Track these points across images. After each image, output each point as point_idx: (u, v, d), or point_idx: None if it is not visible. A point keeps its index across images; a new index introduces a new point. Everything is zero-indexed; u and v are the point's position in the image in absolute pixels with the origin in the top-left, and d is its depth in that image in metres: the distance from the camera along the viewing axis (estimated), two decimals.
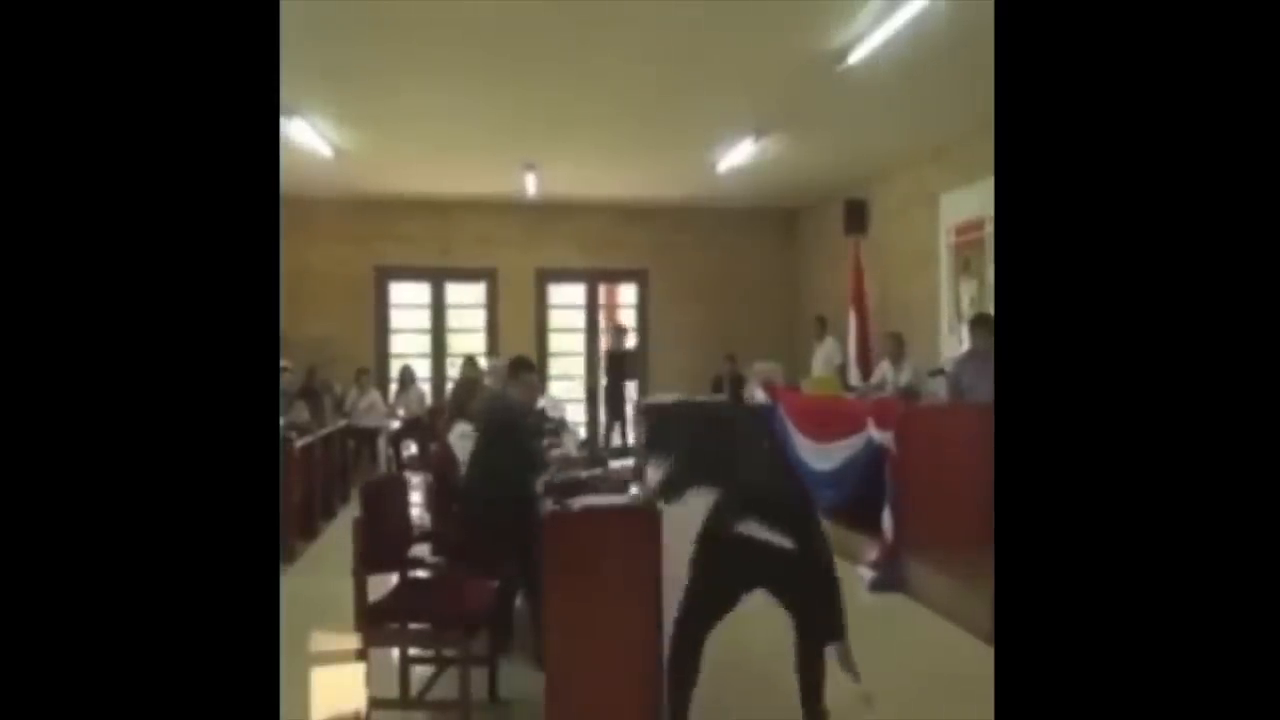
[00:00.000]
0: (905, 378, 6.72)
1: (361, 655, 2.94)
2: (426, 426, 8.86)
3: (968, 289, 7.02)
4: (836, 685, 3.66)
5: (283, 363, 7.39)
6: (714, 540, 2.78)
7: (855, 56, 4.99)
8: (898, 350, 7.04)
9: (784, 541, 2.73)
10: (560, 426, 5.47)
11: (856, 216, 8.45)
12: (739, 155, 7.50)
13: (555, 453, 4.39)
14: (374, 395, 9.08)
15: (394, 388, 9.50)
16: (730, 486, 2.85)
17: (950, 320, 7.23)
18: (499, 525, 3.64)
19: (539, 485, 3.59)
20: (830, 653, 2.88)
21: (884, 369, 7.13)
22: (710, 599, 2.83)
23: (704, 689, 3.00)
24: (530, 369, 4.17)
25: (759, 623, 4.29)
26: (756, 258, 10.71)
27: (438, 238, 10.03)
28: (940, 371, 6.26)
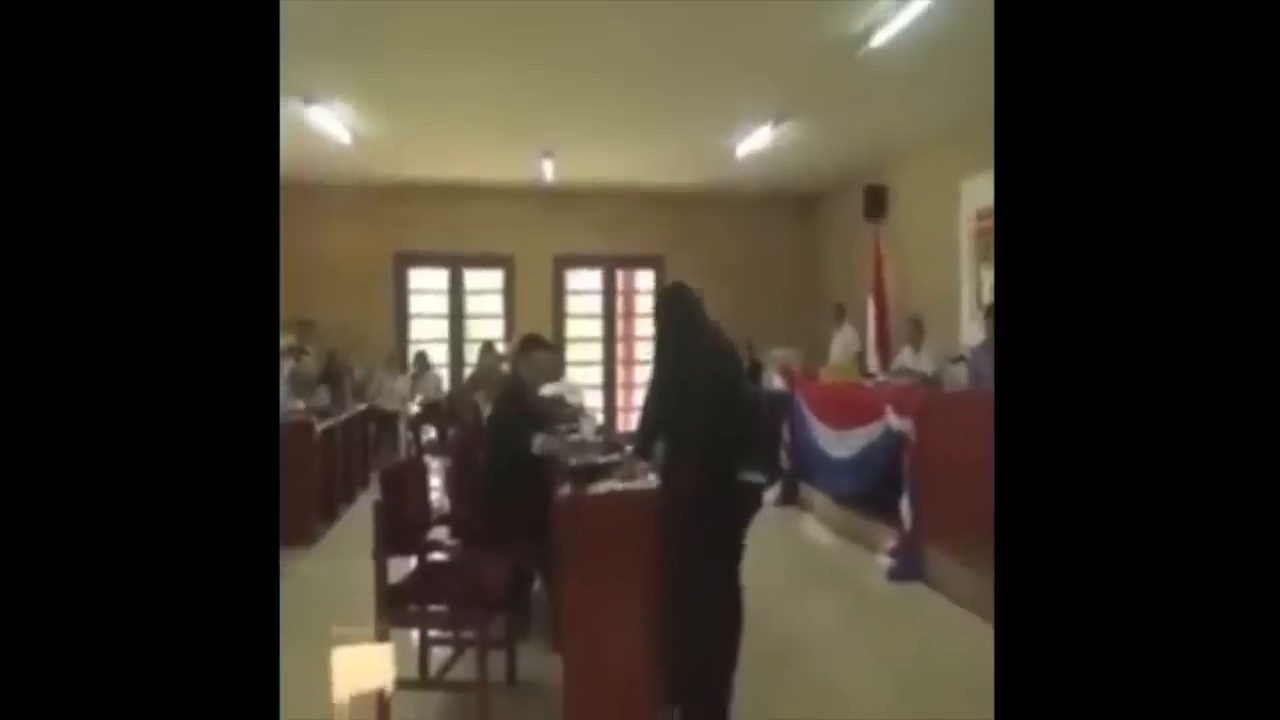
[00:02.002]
0: (925, 363, 6.68)
1: (383, 637, 2.97)
2: (445, 411, 8.91)
3: (989, 276, 6.95)
4: (849, 669, 3.67)
5: (304, 347, 7.45)
6: (723, 490, 2.91)
7: (877, 40, 4.94)
8: (917, 335, 6.99)
9: (760, 477, 3.01)
10: (578, 412, 5.48)
11: (876, 202, 8.39)
12: (758, 140, 7.46)
13: (573, 438, 4.40)
14: (402, 379, 9.16)
15: (411, 372, 9.54)
16: (722, 437, 2.92)
17: (971, 308, 7.17)
18: (515, 508, 3.67)
19: (541, 448, 3.80)
20: None
21: (905, 355, 7.09)
22: (721, 545, 2.99)
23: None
24: (541, 346, 4.19)
25: (781, 610, 4.30)
26: (775, 244, 10.66)
27: (455, 224, 10.04)
28: (962, 359, 6.22)
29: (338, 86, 6.15)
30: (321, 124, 6.74)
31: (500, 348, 8.30)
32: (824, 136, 7.54)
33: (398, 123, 7.23)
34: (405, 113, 6.95)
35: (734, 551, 3.05)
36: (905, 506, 4.99)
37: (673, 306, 3.26)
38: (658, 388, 3.13)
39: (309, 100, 6.23)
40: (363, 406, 8.08)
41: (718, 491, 2.92)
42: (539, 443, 3.82)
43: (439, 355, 10.16)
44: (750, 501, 3.02)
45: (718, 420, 2.94)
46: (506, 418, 3.94)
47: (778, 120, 6.91)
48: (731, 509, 2.99)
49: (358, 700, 2.79)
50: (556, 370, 4.35)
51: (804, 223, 10.76)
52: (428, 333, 10.33)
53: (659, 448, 3.10)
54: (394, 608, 2.99)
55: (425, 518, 3.49)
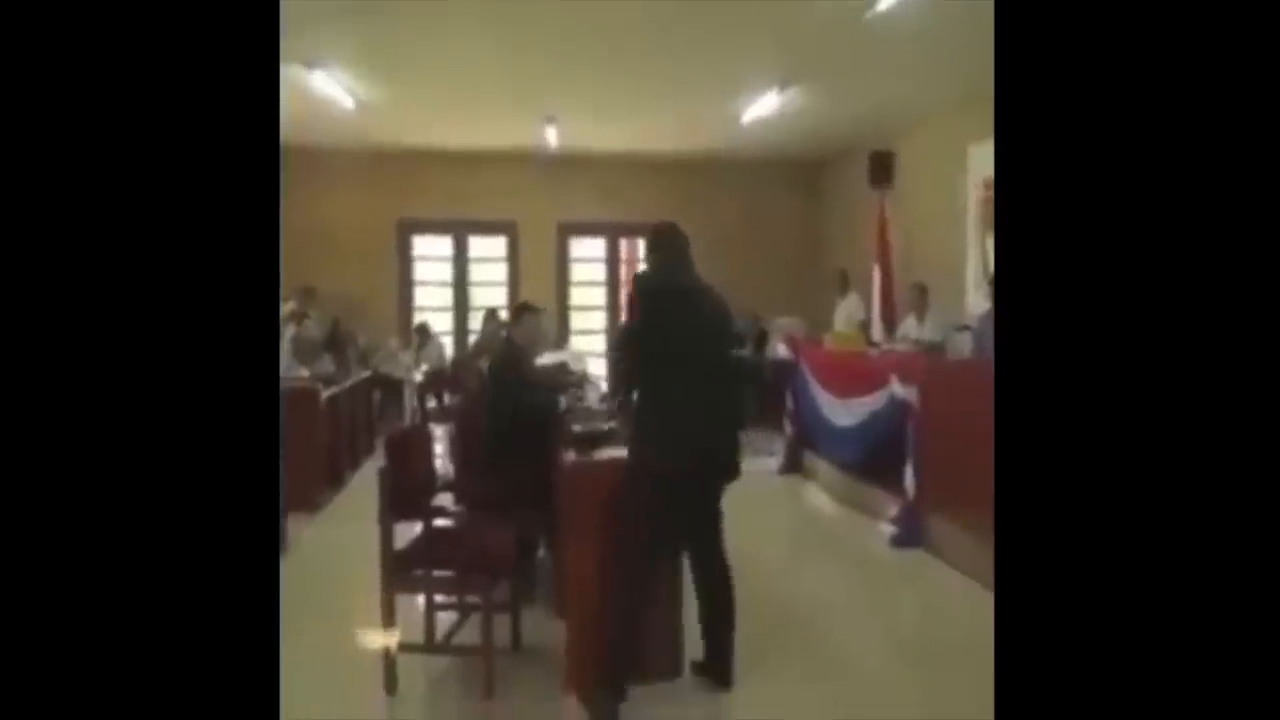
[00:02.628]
0: (929, 332, 6.66)
1: (389, 602, 3.00)
2: (449, 379, 8.92)
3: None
4: (851, 635, 3.71)
5: (306, 312, 7.44)
6: (695, 458, 2.85)
7: (884, 3, 4.87)
8: (921, 303, 6.97)
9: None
10: (582, 379, 5.49)
11: (882, 169, 8.31)
12: (763, 106, 7.38)
13: (577, 405, 4.42)
14: (409, 351, 9.19)
15: (415, 344, 9.53)
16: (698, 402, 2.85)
17: (977, 276, 7.14)
18: (518, 474, 3.69)
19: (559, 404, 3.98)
20: None
21: (909, 324, 7.07)
22: (668, 532, 2.94)
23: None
24: (532, 311, 4.23)
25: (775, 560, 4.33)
26: (780, 211, 10.59)
27: (459, 190, 9.99)
28: (967, 328, 6.20)
29: (339, 51, 6.09)
30: (324, 89, 6.68)
31: (504, 315, 8.30)
32: (830, 102, 7.46)
33: (400, 88, 7.16)
34: (408, 78, 6.88)
35: (710, 520, 3.01)
36: (909, 474, 5.00)
37: (660, 252, 3.01)
38: (632, 343, 2.94)
39: (310, 65, 6.17)
40: (367, 374, 8.09)
41: (689, 458, 2.82)
42: (564, 401, 3.98)
43: (443, 323, 10.16)
44: (725, 470, 2.94)
45: (696, 384, 2.83)
46: (503, 380, 3.96)
47: (783, 85, 6.83)
48: (703, 477, 2.92)
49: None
50: (549, 332, 4.46)
51: (809, 190, 10.68)
52: (431, 300, 10.32)
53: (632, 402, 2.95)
54: (399, 573, 3.02)
55: (430, 484, 3.51)
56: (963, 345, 6.02)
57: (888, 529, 5.07)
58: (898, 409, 5.21)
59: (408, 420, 8.79)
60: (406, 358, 9.07)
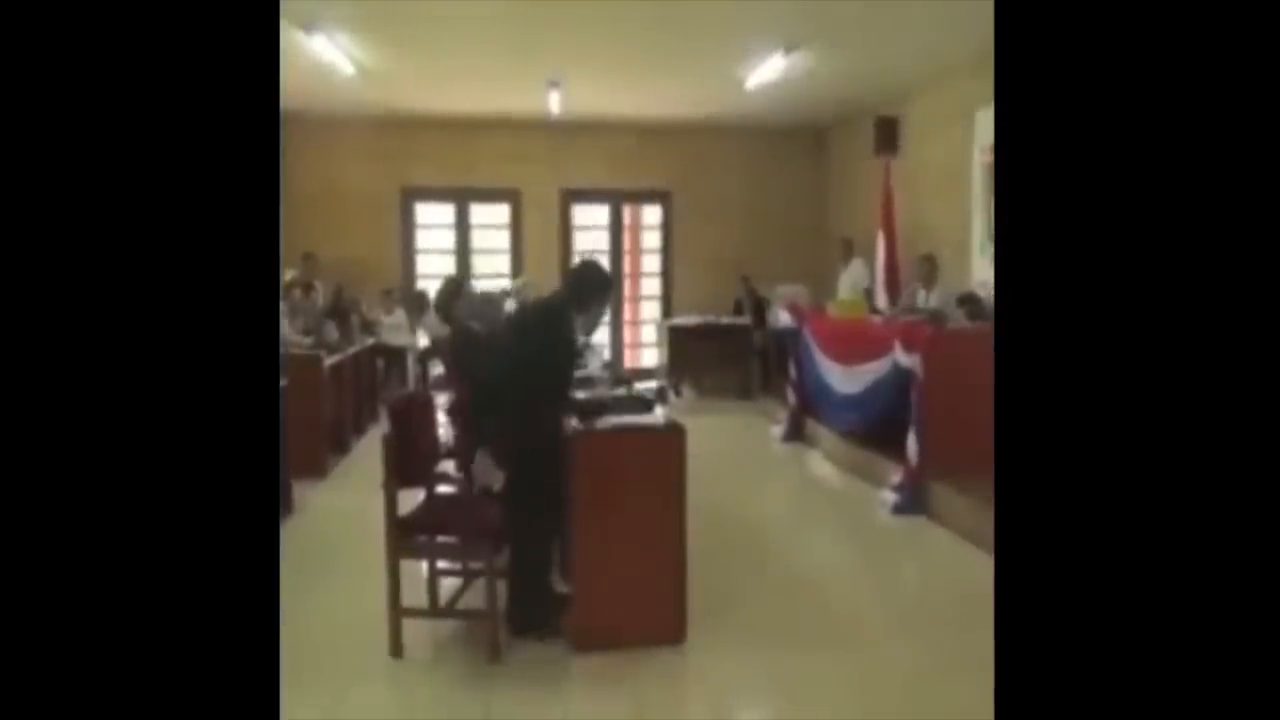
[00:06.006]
0: (935, 302, 6.62)
1: (394, 567, 3.03)
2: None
3: None
4: (852, 599, 3.73)
5: (311, 281, 7.43)
6: None
7: None
8: (930, 273, 6.92)
9: None
10: (585, 347, 5.48)
11: (888, 135, 8.22)
12: (768, 71, 7.29)
13: (579, 374, 4.42)
14: (401, 314, 9.08)
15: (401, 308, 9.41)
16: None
17: (983, 241, 7.09)
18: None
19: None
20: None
21: (914, 291, 7.03)
22: None
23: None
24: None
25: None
26: (784, 177, 10.51)
27: (462, 157, 9.91)
28: (969, 298, 6.17)
29: (339, 15, 6.00)
30: (324, 55, 6.60)
31: (505, 283, 8.27)
32: (836, 66, 7.36)
33: (402, 53, 7.07)
34: (409, 42, 6.79)
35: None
36: (911, 441, 5.01)
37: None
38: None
39: (310, 29, 6.09)
40: (370, 341, 8.08)
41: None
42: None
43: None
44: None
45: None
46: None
47: (788, 49, 6.74)
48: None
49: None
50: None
51: (814, 156, 10.58)
52: (434, 267, 10.28)
53: None
54: (403, 539, 3.04)
55: (434, 451, 3.52)
56: (961, 319, 5.97)
57: (890, 496, 5.09)
58: (901, 376, 5.20)
59: (411, 388, 8.80)
60: (395, 320, 8.92)
